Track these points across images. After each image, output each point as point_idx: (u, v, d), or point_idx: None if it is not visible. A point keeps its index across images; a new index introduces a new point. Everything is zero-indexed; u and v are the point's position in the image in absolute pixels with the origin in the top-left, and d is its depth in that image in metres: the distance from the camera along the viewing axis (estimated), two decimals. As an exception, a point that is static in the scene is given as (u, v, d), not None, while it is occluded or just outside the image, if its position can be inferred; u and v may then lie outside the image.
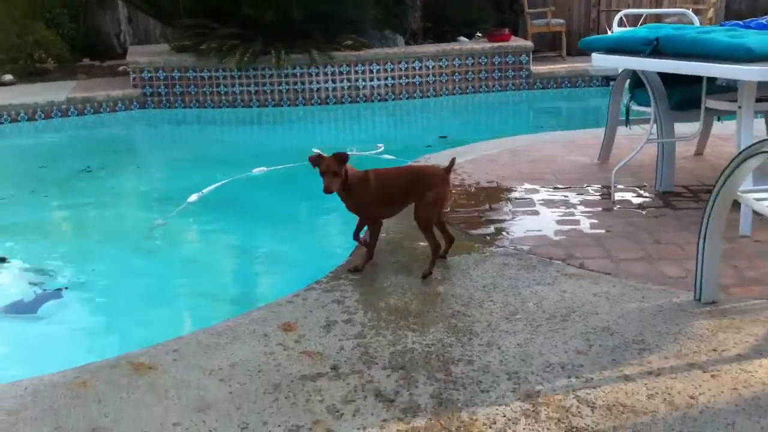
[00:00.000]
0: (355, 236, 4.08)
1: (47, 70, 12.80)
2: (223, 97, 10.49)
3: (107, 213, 6.40)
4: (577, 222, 4.55)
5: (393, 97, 10.75)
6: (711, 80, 5.29)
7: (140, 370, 2.97)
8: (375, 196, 3.86)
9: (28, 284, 4.80)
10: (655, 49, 4.66)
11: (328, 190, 3.64)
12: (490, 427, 2.50)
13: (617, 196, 5.02)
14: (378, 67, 10.65)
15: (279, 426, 2.56)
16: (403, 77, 10.77)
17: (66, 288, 4.70)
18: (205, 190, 6.41)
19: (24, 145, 9.36)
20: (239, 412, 2.66)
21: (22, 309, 4.51)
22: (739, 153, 3.11)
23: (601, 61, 5.08)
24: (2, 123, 9.66)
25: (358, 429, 2.53)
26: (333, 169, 3.63)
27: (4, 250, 5.35)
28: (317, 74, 10.49)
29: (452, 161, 3.93)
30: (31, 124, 9.77)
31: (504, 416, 2.56)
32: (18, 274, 5.03)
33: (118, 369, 2.99)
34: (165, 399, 2.76)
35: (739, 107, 4.42)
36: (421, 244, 4.15)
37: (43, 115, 9.90)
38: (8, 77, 11.66)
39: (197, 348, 3.14)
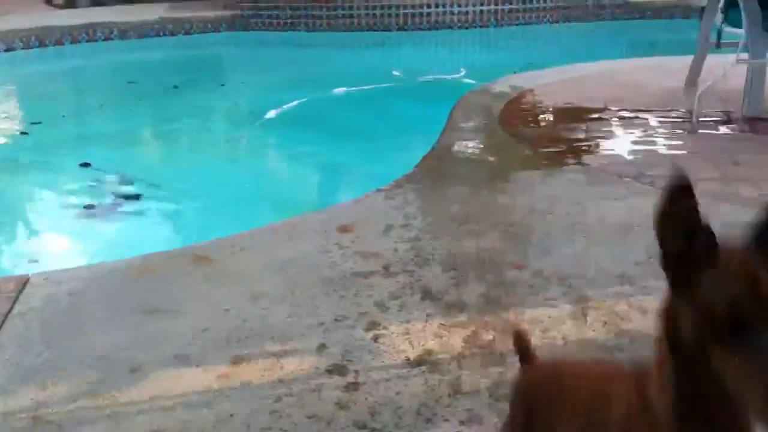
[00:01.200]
0: None
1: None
2: (309, 21, 10.48)
3: (189, 126, 6.54)
4: (654, 143, 4.40)
5: (480, 24, 10.53)
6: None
7: (200, 261, 3.05)
8: None
9: (109, 188, 4.99)
10: (751, -37, 4.41)
11: None
12: (536, 326, 2.48)
13: (701, 120, 4.82)
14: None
15: (326, 316, 2.60)
16: (492, 4, 10.51)
17: (143, 193, 4.86)
18: (285, 107, 6.46)
19: (116, 62, 9.61)
20: (289, 302, 2.70)
21: (102, 209, 4.69)
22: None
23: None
24: (96, 40, 9.91)
25: (402, 322, 2.55)
26: None
27: (89, 157, 5.54)
28: (403, -1, 10.36)
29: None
30: (124, 42, 10.00)
31: (550, 317, 2.54)
32: (100, 179, 5.20)
33: (180, 259, 3.08)
34: (221, 287, 2.83)
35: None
36: (490, 158, 4.13)
37: (135, 34, 10.10)
38: (105, -4, 11.93)
39: (255, 243, 3.21)
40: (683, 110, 5.07)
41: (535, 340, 2.37)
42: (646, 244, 3.04)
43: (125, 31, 10.03)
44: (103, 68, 9.49)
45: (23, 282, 2.89)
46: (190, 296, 2.77)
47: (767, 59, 4.81)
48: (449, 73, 7.72)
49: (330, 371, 2.29)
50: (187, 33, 10.30)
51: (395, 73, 7.80)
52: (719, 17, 5.37)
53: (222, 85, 8.27)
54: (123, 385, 2.26)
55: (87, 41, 9.83)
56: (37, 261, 3.93)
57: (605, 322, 2.49)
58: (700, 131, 4.61)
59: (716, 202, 3.44)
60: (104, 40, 9.93)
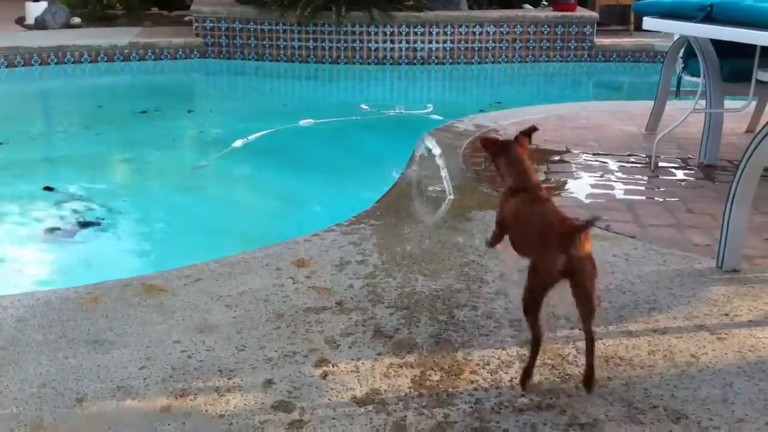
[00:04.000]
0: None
1: (115, 15, 12.99)
2: (282, 51, 10.52)
3: (155, 152, 6.51)
4: (611, 187, 4.47)
5: (450, 61, 10.63)
6: (768, 53, 5.12)
7: (151, 291, 3.04)
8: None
9: (71, 212, 4.95)
10: (709, 15, 4.52)
11: None
12: (483, 368, 2.50)
13: (659, 165, 4.91)
14: (438, 29, 10.54)
15: (275, 351, 2.60)
16: (463, 41, 10.63)
17: (104, 218, 4.83)
18: (250, 137, 6.46)
19: (84, 85, 9.58)
20: (239, 335, 2.70)
21: (62, 234, 4.65)
22: (773, 117, 3.00)
23: (653, 26, 4.94)
24: (66, 63, 9.86)
25: (352, 359, 2.55)
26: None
27: (53, 180, 5.50)
28: (376, 33, 10.43)
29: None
30: (94, 66, 9.97)
31: (499, 359, 2.55)
32: (62, 203, 5.15)
33: (130, 288, 3.06)
34: (170, 319, 2.82)
35: (791, 80, 4.26)
36: (451, 197, 4.18)
37: (105, 58, 10.08)
38: (76, 20, 11.88)
39: (210, 275, 3.20)
40: (642, 155, 5.16)
41: (482, 381, 2.40)
42: (597, 289, 3.07)
43: (95, 55, 10.01)
44: (71, 91, 9.45)
45: (-29, 307, 2.86)
46: (138, 326, 2.75)
47: (724, 108, 4.93)
48: (416, 109, 7.78)
49: (275, 407, 2.28)
50: (157, 58, 10.30)
51: (363, 106, 7.85)
52: (679, 65, 5.49)
53: (190, 111, 8.27)
54: (65, 415, 2.24)
55: (56, 63, 9.79)
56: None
57: (552, 366, 2.51)
58: (657, 177, 4.69)
59: (669, 249, 3.51)
60: (74, 62, 9.89)
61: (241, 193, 5.30)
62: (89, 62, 9.98)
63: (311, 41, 10.47)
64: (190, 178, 5.61)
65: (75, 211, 4.97)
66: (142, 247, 4.56)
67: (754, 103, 5.50)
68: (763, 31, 4.11)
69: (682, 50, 5.42)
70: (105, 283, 3.13)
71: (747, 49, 4.60)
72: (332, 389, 2.38)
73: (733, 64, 4.90)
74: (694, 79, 5.23)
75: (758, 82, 4.71)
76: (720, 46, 4.80)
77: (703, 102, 4.92)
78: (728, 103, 5.05)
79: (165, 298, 2.98)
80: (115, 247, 4.55)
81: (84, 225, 4.76)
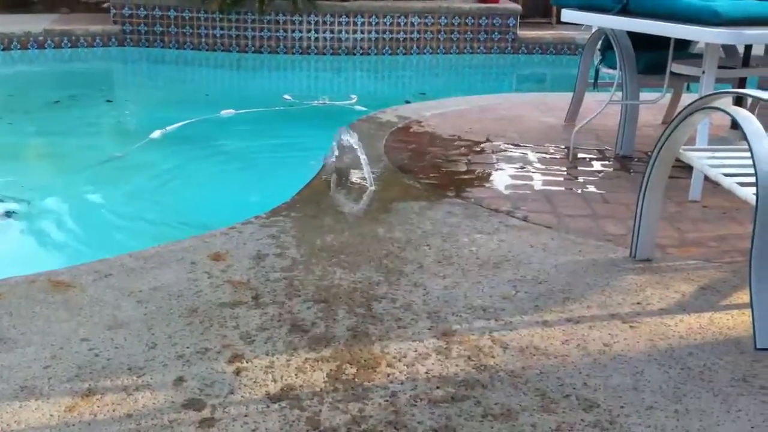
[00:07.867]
0: None
1: (31, 2, 12.55)
2: (203, 40, 10.34)
3: (70, 143, 6.32)
4: (530, 178, 4.51)
5: (376, 51, 10.62)
6: (686, 47, 5.25)
7: (59, 287, 2.93)
8: None
9: (-24, 206, 4.76)
10: (625, 7, 4.59)
11: None
12: (400, 361, 2.48)
13: (577, 156, 4.98)
14: (362, 19, 10.50)
15: (188, 347, 2.53)
16: (388, 32, 10.63)
17: (13, 212, 4.65)
18: (168, 128, 6.32)
19: (-4, 74, 9.25)
20: (150, 332, 2.62)
21: (-34, 229, 4.47)
22: (685, 107, 3.05)
23: (571, 18, 5.00)
24: (-24, 50, 9.52)
25: (266, 354, 2.50)
26: None
27: (-42, 173, 5.29)
28: (300, 23, 10.34)
29: None
30: (6, 54, 9.64)
31: (415, 351, 2.54)
32: (-31, 195, 4.96)
33: (36, 284, 2.95)
34: (78, 316, 2.72)
35: (703, 72, 4.35)
36: (372, 188, 4.16)
37: (18, 46, 9.76)
38: (-12, 6, 11.46)
39: (121, 270, 3.10)
40: (561, 146, 5.22)
41: (398, 374, 2.38)
42: (514, 279, 3.10)
43: (8, 43, 9.66)
44: (-19, 80, 9.12)
45: None
46: (44, 324, 2.65)
47: (639, 100, 5.02)
48: (341, 100, 7.73)
49: (186, 406, 2.22)
50: (73, 46, 10.01)
51: (286, 97, 7.76)
52: (597, 57, 5.57)
53: (108, 101, 8.05)
54: (-38, 420, 2.13)
55: (-34, 50, 9.45)
56: None
57: (468, 357, 2.50)
58: (575, 168, 4.75)
59: (585, 239, 3.55)
60: (-16, 50, 9.56)
61: (157, 186, 5.16)
62: (1, 50, 9.64)
63: (234, 29, 10.32)
64: (104, 170, 5.45)
65: (-18, 204, 4.79)
66: (53, 242, 4.40)
67: (669, 95, 5.62)
68: (677, 24, 4.21)
69: (600, 42, 5.51)
70: (10, 279, 3.00)
71: (662, 42, 4.69)
72: (245, 386, 2.33)
73: (649, 57, 5.00)
74: (611, 71, 5.31)
75: (672, 74, 4.81)
76: (636, 38, 4.89)
77: (619, 94, 5.00)
78: (644, 95, 5.15)
79: (73, 294, 2.88)
80: (23, 242, 4.39)
81: (-8, 218, 4.58)
